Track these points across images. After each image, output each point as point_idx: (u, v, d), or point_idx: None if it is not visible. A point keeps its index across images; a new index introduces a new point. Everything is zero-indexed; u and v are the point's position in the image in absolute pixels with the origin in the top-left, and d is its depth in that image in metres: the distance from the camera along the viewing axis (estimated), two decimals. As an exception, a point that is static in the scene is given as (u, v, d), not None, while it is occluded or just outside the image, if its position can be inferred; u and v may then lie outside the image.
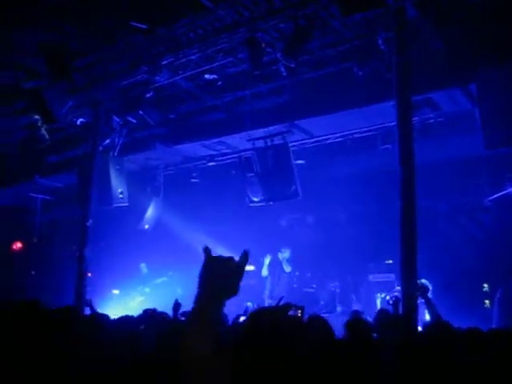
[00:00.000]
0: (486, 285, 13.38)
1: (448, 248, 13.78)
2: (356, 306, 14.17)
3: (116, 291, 17.12)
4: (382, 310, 7.94)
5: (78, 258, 11.14)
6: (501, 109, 8.33)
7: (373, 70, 10.32)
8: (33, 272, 19.62)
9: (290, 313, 4.91)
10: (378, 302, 13.26)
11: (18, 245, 20.11)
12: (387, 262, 14.55)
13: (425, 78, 9.13)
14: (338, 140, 13.06)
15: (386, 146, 12.39)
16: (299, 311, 5.33)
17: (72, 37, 9.97)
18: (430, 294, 12.35)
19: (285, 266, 14.55)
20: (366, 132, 12.63)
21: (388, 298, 10.13)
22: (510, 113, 8.27)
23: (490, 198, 12.59)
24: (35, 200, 18.33)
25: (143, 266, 16.44)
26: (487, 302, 13.07)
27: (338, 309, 14.29)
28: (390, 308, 8.02)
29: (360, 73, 10.34)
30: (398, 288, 12.36)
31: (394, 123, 10.84)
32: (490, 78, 8.40)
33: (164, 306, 8.78)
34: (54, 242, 19.76)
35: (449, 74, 9.49)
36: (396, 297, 8.22)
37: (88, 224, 11.25)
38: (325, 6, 8.42)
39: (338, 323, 5.76)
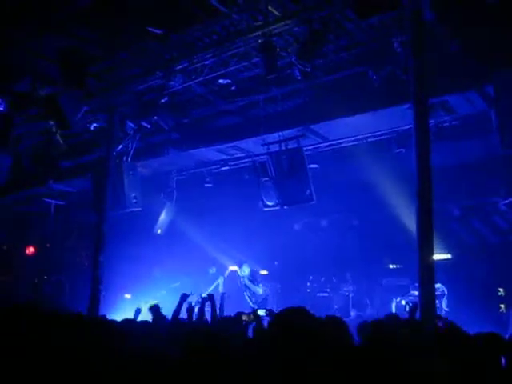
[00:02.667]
0: (501, 289, 13.29)
1: (462, 252, 13.72)
2: (370, 311, 14.14)
3: (128, 295, 17.15)
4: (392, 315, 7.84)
5: (94, 263, 11.17)
6: (517, 110, 8.28)
7: (387, 74, 10.30)
8: (45, 277, 19.70)
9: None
10: (393, 306, 13.18)
11: (31, 249, 20.19)
12: (395, 266, 14.53)
13: (441, 81, 9.10)
14: (351, 144, 13.04)
15: (400, 149, 12.36)
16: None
17: (87, 42, 10.01)
18: (445, 299, 12.38)
19: (256, 288, 14.17)
20: (380, 136, 12.61)
21: (404, 302, 10.03)
22: (527, 114, 8.23)
23: (505, 201, 12.50)
24: (49, 205, 18.42)
25: (212, 270, 15.89)
26: (502, 306, 12.97)
27: (352, 313, 14.24)
28: (406, 313, 7.90)
29: (374, 76, 10.33)
30: (413, 292, 12.37)
31: (408, 126, 10.93)
32: (507, 80, 8.36)
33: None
34: (67, 247, 19.83)
35: (465, 76, 9.45)
36: (414, 302, 8.13)
37: (103, 229, 11.28)
38: (340, 8, 8.40)
39: (352, 328, 5.73)
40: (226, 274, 14.77)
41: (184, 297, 8.17)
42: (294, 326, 3.08)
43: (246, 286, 14.14)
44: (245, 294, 14.18)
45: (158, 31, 9.12)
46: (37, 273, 19.42)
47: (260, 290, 14.07)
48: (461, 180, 13.09)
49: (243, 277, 14.13)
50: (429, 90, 8.01)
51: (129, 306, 16.21)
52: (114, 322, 5.75)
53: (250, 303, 13.82)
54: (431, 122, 9.84)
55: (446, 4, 8.07)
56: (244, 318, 6.59)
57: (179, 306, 7.95)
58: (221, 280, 14.38)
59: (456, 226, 13.98)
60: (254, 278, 14.18)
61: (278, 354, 3.02)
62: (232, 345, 3.95)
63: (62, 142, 12.48)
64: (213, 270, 15.26)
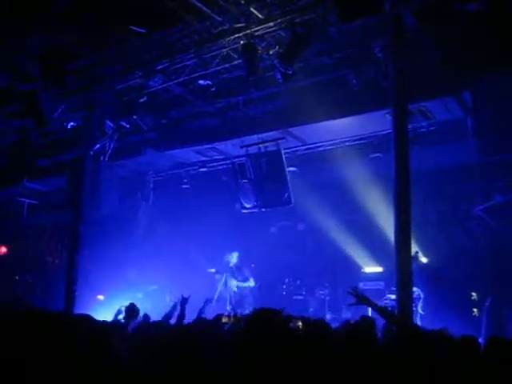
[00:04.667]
0: (474, 293, 13.45)
1: (436, 256, 13.86)
2: (345, 314, 14.18)
3: (101, 297, 16.93)
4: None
5: (69, 264, 11.02)
6: (495, 117, 8.44)
7: (367, 78, 10.40)
8: (17, 277, 19.39)
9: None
10: (370, 310, 13.24)
11: (3, 249, 19.85)
12: (377, 269, 14.61)
13: (419, 87, 9.19)
14: (329, 148, 13.11)
15: (377, 154, 12.49)
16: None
17: (67, 40, 9.89)
18: (421, 303, 12.50)
19: (247, 284, 14.28)
20: (357, 140, 12.70)
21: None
22: (504, 121, 8.38)
23: (479, 207, 12.68)
24: (22, 204, 18.12)
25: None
26: (475, 310, 13.14)
27: (328, 316, 14.27)
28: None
29: (354, 81, 10.42)
30: (389, 296, 12.47)
31: (385, 132, 11.04)
32: (484, 87, 8.51)
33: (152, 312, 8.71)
34: (40, 247, 19.54)
35: (443, 83, 9.57)
36: (389, 306, 8.20)
37: (79, 229, 11.14)
38: (323, 13, 8.43)
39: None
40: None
41: (184, 301, 7.83)
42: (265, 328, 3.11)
43: (232, 272, 14.21)
44: (227, 287, 14.24)
45: (141, 30, 9.05)
46: (8, 273, 19.09)
47: (252, 283, 14.19)
48: (437, 185, 13.26)
49: (232, 265, 14.24)
50: (407, 95, 8.11)
51: (101, 307, 16.03)
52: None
53: (228, 305, 13.80)
54: (409, 127, 9.97)
55: (426, 10, 8.15)
56: (224, 320, 6.56)
57: (183, 309, 7.69)
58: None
59: (432, 231, 14.12)
60: (240, 268, 14.27)
61: (248, 354, 3.03)
62: (204, 346, 3.93)
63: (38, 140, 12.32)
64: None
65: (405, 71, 7.94)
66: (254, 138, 12.37)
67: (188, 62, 10.31)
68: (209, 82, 11.11)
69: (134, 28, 9.03)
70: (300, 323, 5.76)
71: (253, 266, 15.33)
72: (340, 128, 11.96)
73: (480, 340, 6.02)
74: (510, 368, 4.22)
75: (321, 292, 14.76)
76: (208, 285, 14.63)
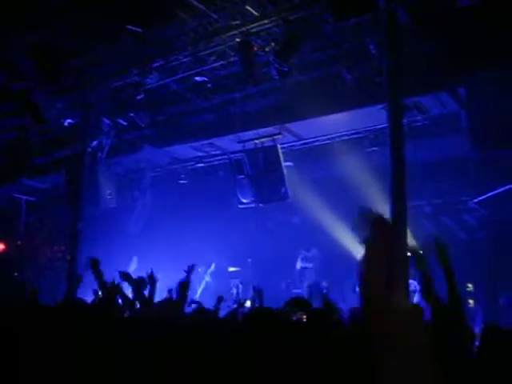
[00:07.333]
0: (470, 285, 13.58)
1: (432, 248, 13.96)
2: (342, 305, 14.28)
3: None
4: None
5: (70, 260, 11.11)
6: (488, 112, 8.52)
7: (361, 74, 10.47)
8: (15, 273, 19.41)
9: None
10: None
11: (1, 246, 19.86)
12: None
13: (414, 82, 9.28)
14: (325, 142, 13.21)
15: (374, 148, 12.59)
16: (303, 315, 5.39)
17: (63, 38, 9.93)
18: (417, 295, 12.63)
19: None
20: (353, 134, 12.80)
21: None
22: (498, 116, 8.47)
23: (476, 199, 12.80)
24: (19, 201, 18.16)
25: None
26: (471, 301, 13.27)
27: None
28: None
29: (349, 76, 10.50)
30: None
31: (381, 126, 11.13)
32: (478, 82, 8.58)
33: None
34: (38, 244, 19.57)
35: (438, 78, 9.65)
36: None
37: (78, 226, 11.22)
38: (318, 11, 8.50)
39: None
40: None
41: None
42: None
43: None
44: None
45: (138, 29, 9.11)
46: (6, 269, 19.12)
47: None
48: (433, 178, 13.36)
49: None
50: (402, 90, 8.20)
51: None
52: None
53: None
54: (404, 121, 10.06)
55: (420, 6, 8.23)
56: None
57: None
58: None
59: (427, 224, 14.23)
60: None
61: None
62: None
63: (35, 137, 12.37)
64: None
65: (399, 67, 8.03)
66: (251, 133, 12.44)
67: (184, 60, 10.37)
68: (205, 79, 11.16)
69: (131, 27, 9.06)
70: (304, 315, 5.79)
71: (250, 260, 15.45)
72: (336, 123, 12.05)
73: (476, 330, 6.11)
74: (505, 357, 4.29)
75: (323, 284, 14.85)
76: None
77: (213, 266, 14.89)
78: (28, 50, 10.18)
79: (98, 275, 6.01)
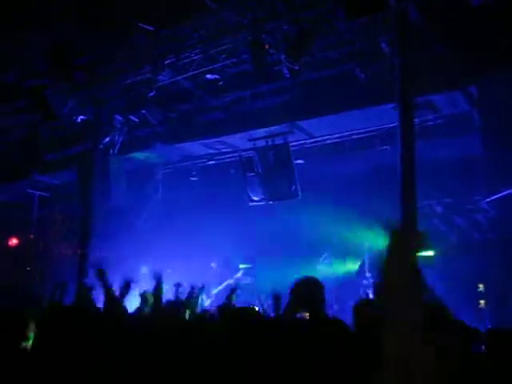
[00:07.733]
0: (481, 285, 13.50)
1: (444, 248, 13.90)
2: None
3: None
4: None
5: (80, 256, 11.20)
6: (501, 112, 8.47)
7: (374, 72, 10.43)
8: (28, 268, 19.59)
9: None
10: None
11: (14, 241, 20.05)
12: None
13: (426, 80, 9.23)
14: (336, 140, 13.18)
15: (385, 147, 12.55)
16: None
17: (76, 35, 10.00)
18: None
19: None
20: (364, 133, 12.77)
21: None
22: (510, 116, 8.41)
23: (487, 199, 12.70)
24: (32, 196, 18.32)
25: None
26: (482, 302, 13.19)
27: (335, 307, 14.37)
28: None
29: (362, 75, 10.45)
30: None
31: (392, 125, 11.08)
32: (491, 82, 8.54)
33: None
34: (50, 239, 19.72)
35: (450, 77, 9.59)
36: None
37: (89, 222, 11.31)
38: (330, 9, 8.49)
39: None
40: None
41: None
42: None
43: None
44: None
45: (150, 28, 9.15)
46: (20, 264, 19.30)
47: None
48: (444, 178, 13.28)
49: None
50: (414, 89, 8.16)
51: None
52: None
53: None
54: (416, 120, 10.02)
55: (431, 4, 8.19)
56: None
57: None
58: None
59: (438, 223, 14.17)
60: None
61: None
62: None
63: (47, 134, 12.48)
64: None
65: (411, 66, 8.00)
66: (262, 131, 12.45)
67: (195, 57, 10.40)
68: (216, 76, 11.19)
69: (143, 25, 9.11)
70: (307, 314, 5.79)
71: (259, 257, 15.43)
72: (347, 121, 12.02)
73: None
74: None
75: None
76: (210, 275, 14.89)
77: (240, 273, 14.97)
78: (41, 47, 10.26)
79: (105, 285, 5.97)
